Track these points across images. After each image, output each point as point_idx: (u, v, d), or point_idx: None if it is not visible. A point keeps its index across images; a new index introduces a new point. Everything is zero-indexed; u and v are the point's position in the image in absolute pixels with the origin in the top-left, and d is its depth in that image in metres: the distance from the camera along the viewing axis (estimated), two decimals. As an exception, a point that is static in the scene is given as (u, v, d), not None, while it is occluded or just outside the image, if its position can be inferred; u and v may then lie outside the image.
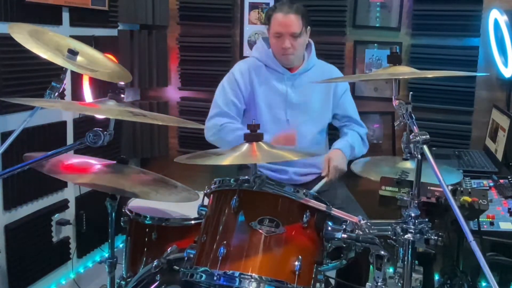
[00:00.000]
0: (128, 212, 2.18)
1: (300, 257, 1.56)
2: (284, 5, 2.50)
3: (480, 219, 1.93)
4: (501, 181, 2.29)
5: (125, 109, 1.66)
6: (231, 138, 2.43)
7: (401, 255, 1.55)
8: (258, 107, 2.54)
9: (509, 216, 2.03)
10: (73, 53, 2.01)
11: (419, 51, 3.16)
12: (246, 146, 1.64)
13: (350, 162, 2.43)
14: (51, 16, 2.72)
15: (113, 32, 3.29)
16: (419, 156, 1.51)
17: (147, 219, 2.11)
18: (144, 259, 2.12)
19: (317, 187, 2.29)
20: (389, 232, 1.58)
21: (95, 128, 1.60)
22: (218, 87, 2.65)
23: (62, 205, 2.90)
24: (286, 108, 2.53)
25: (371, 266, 1.62)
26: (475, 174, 2.44)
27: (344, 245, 1.65)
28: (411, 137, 1.51)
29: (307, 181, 2.55)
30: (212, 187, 1.74)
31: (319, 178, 2.51)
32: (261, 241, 1.56)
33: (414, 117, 1.56)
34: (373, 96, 3.30)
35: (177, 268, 1.79)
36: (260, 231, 1.57)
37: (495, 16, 2.98)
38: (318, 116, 2.59)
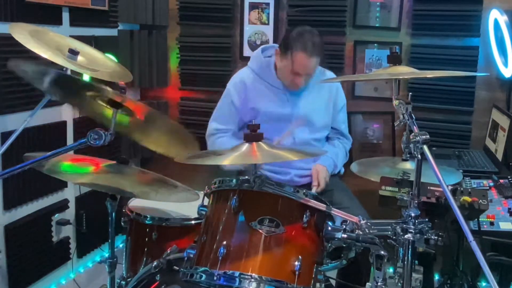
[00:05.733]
0: (128, 212, 2.18)
1: (300, 257, 1.56)
2: (307, 43, 2.35)
3: (480, 219, 1.93)
4: (501, 181, 2.29)
5: (125, 109, 1.65)
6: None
7: (401, 255, 1.55)
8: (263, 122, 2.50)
9: (509, 216, 2.03)
10: (73, 53, 2.02)
11: (419, 51, 3.17)
12: (246, 146, 1.64)
13: (350, 162, 2.44)
14: (51, 16, 2.72)
15: (113, 32, 3.29)
16: (419, 156, 1.51)
17: (147, 219, 2.11)
18: (144, 259, 2.12)
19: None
20: (389, 232, 1.58)
21: (97, 128, 1.60)
22: (219, 102, 2.64)
23: (62, 205, 2.90)
24: (292, 125, 2.49)
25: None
26: (475, 174, 2.44)
27: (344, 245, 1.65)
28: (411, 137, 1.51)
29: (308, 182, 2.54)
30: (212, 187, 1.73)
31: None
32: (261, 241, 1.56)
33: (414, 117, 1.56)
34: (373, 96, 3.30)
35: (177, 268, 1.79)
36: (260, 231, 1.57)
37: (495, 16, 2.98)
38: (319, 128, 2.59)
